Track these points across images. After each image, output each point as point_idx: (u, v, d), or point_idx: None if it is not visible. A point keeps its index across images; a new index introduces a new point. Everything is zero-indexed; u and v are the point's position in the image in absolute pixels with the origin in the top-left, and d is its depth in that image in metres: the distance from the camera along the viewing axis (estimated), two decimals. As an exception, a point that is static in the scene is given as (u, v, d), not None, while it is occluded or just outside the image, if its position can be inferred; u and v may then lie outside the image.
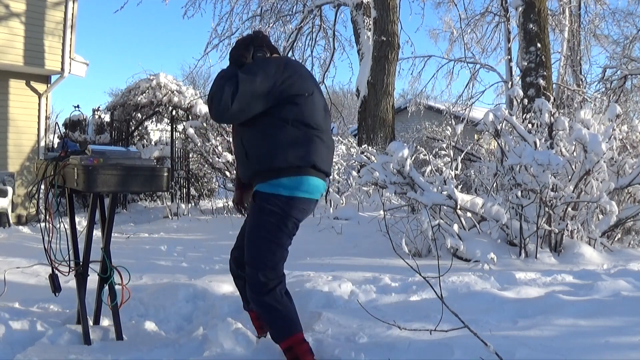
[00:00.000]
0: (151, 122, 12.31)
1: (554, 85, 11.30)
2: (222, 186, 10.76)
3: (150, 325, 3.07)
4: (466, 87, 15.76)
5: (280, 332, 2.38)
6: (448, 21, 16.83)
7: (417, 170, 5.69)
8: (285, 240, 2.46)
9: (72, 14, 9.25)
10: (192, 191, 11.09)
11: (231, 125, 2.66)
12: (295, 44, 16.38)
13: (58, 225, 2.81)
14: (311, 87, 2.47)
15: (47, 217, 2.85)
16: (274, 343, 2.51)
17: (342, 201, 8.83)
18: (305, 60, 16.77)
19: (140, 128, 12.13)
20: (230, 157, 8.76)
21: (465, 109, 15.49)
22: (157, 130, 12.46)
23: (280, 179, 2.38)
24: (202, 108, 10.48)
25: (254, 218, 2.46)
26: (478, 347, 2.18)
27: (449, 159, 6.36)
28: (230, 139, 9.21)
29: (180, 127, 10.34)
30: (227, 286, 3.73)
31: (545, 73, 9.50)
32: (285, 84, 2.37)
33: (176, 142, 10.27)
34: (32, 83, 9.27)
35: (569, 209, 5.08)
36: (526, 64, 9.59)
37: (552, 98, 7.79)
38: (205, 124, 9.56)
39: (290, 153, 2.37)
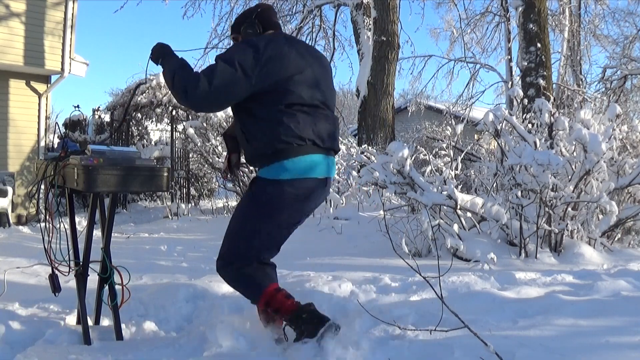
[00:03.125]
0: (151, 122, 12.32)
1: (554, 85, 11.31)
2: (222, 186, 10.76)
3: (150, 325, 3.07)
4: (466, 87, 15.82)
5: (251, 295, 2.51)
6: (449, 20, 16.87)
7: (417, 170, 5.69)
8: (272, 227, 2.47)
9: (72, 14, 9.25)
10: (192, 191, 11.10)
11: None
12: (295, 44, 16.35)
13: (58, 225, 2.81)
14: (300, 66, 2.43)
15: (47, 217, 2.85)
16: (275, 344, 2.53)
17: (342, 201, 8.83)
18: (306, 60, 16.75)
19: (140, 128, 12.14)
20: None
21: (465, 109, 15.51)
22: (157, 130, 12.47)
23: (278, 163, 2.38)
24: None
25: (243, 201, 2.55)
26: (478, 347, 2.17)
27: (449, 159, 6.36)
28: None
29: (180, 127, 10.34)
30: (227, 286, 3.71)
31: (545, 73, 9.51)
32: (265, 70, 2.34)
33: (176, 142, 10.27)
34: (32, 83, 9.27)
35: (569, 209, 5.08)
36: (526, 64, 9.59)
37: (552, 98, 7.80)
38: (205, 124, 9.56)
39: (281, 139, 2.36)
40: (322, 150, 2.47)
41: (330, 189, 9.32)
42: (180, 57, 2.46)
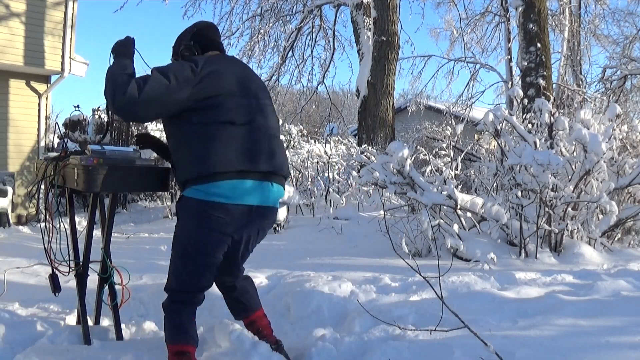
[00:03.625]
0: (151, 122, 12.31)
1: (554, 85, 11.30)
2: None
3: (150, 325, 3.07)
4: (466, 87, 15.81)
5: (171, 337, 2.34)
6: (449, 20, 16.87)
7: (417, 170, 5.69)
8: (198, 253, 2.32)
9: (72, 14, 9.24)
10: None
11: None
12: (295, 44, 16.38)
13: (58, 225, 2.81)
14: (235, 86, 2.33)
15: (47, 217, 2.85)
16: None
17: (342, 201, 8.83)
18: (305, 60, 16.79)
19: (140, 128, 12.12)
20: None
21: (465, 109, 15.51)
22: (157, 130, 12.46)
23: (204, 185, 2.24)
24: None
25: (178, 227, 2.40)
26: (478, 347, 2.17)
27: (449, 159, 6.36)
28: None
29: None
30: (227, 286, 3.73)
31: (545, 73, 9.50)
32: (201, 85, 2.24)
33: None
34: (32, 83, 9.27)
35: (569, 209, 5.08)
36: (526, 64, 9.59)
37: (552, 98, 7.79)
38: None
39: (210, 159, 2.22)
40: (253, 175, 2.28)
41: (331, 189, 9.24)
42: (129, 63, 2.32)
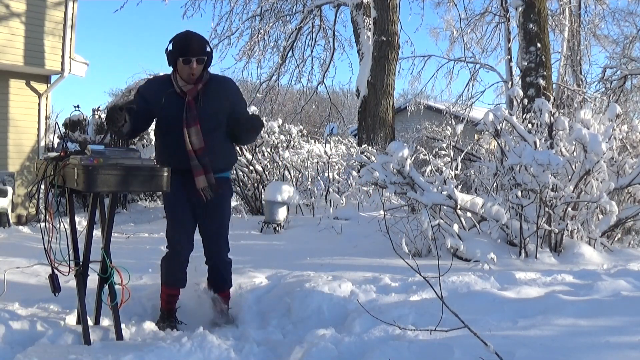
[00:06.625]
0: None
1: (554, 85, 11.31)
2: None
3: (150, 325, 3.07)
4: (466, 87, 15.80)
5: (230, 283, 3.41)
6: (449, 20, 16.86)
7: (417, 170, 5.69)
8: None
9: (72, 14, 9.24)
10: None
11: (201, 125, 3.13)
12: (295, 44, 16.39)
13: (58, 225, 2.81)
14: None
15: (47, 217, 2.85)
16: (275, 343, 2.54)
17: (342, 201, 8.82)
18: (305, 60, 16.80)
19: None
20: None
21: (465, 109, 15.51)
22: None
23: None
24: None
25: (228, 201, 3.31)
26: (478, 347, 2.17)
27: (449, 159, 6.36)
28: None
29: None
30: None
31: (545, 73, 9.51)
32: None
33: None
34: (32, 83, 9.26)
35: (569, 209, 5.07)
36: (526, 64, 9.59)
37: (552, 98, 7.80)
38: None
39: None
40: None
41: (331, 189, 9.34)
42: None
